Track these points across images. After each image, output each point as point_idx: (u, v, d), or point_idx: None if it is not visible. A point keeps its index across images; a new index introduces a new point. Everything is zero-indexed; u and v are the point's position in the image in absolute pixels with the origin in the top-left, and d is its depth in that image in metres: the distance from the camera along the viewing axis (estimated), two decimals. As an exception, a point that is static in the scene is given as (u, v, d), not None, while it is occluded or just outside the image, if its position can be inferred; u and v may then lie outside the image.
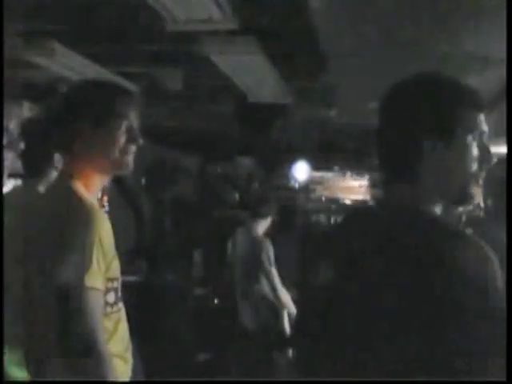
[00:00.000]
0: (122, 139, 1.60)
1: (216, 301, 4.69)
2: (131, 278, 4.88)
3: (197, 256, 6.28)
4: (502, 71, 2.51)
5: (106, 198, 5.53)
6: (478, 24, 2.64)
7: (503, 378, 1.01)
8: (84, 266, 1.39)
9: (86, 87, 1.69)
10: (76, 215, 1.45)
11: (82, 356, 1.37)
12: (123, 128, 1.60)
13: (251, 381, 3.82)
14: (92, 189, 1.60)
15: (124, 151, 1.62)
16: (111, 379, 1.40)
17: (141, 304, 4.53)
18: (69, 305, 1.38)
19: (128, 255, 5.39)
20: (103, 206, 5.46)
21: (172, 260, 6.23)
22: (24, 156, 1.70)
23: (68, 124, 1.57)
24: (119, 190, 5.81)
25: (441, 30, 2.76)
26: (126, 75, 4.02)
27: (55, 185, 1.57)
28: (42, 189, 1.67)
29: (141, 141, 1.65)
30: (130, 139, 1.62)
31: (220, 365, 4.22)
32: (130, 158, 1.64)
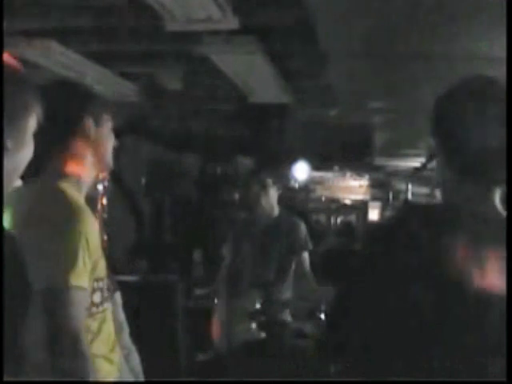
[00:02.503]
0: (99, 139, 1.64)
1: (216, 301, 4.68)
2: (131, 278, 4.88)
3: (197, 256, 6.28)
4: (502, 71, 2.50)
5: (105, 198, 5.53)
6: (478, 24, 2.64)
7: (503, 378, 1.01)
8: (70, 265, 1.40)
9: (51, 90, 1.69)
10: (62, 215, 1.46)
11: (66, 355, 1.37)
12: (98, 128, 1.63)
13: (251, 381, 3.82)
14: (80, 188, 1.61)
15: (103, 150, 1.66)
16: (92, 379, 1.39)
17: (141, 304, 4.53)
18: (54, 304, 1.38)
19: (128, 255, 5.39)
20: (103, 206, 5.47)
21: (172, 260, 6.23)
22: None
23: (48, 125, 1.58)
24: (119, 190, 5.81)
25: (441, 29, 2.76)
26: (126, 75, 4.02)
27: (44, 185, 1.58)
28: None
29: (116, 140, 1.70)
30: (107, 138, 1.67)
31: (220, 365, 4.21)
32: (109, 156, 1.69)
